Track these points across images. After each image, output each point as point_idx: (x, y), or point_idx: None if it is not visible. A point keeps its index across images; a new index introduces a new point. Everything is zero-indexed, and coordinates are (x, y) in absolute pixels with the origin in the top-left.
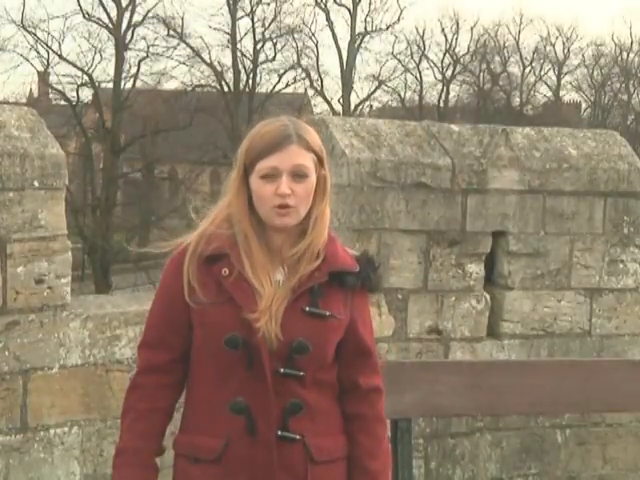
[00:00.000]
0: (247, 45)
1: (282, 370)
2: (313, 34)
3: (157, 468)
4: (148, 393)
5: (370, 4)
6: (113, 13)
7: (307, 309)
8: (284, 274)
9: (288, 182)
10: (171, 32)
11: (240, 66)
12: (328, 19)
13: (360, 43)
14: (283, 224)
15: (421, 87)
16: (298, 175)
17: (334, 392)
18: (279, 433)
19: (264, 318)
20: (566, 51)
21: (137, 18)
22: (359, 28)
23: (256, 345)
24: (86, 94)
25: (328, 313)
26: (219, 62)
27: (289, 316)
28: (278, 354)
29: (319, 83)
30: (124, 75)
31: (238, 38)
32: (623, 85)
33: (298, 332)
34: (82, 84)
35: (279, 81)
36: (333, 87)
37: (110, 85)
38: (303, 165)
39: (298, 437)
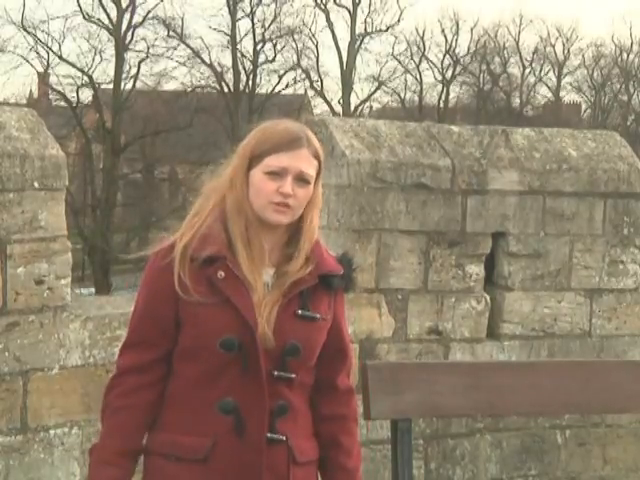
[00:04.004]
0: (247, 46)
1: (275, 373)
2: (313, 35)
3: (130, 467)
4: (125, 391)
5: (370, 5)
6: (113, 14)
7: (299, 312)
8: (272, 277)
9: (292, 184)
10: (171, 33)
11: (240, 67)
12: (328, 20)
13: (360, 44)
14: (278, 221)
15: (421, 88)
16: (302, 180)
17: (309, 394)
18: (268, 435)
19: (260, 319)
20: (566, 52)
21: (137, 19)
22: (359, 29)
23: (253, 347)
24: (86, 95)
25: (318, 315)
26: (219, 63)
27: (282, 319)
28: (271, 357)
29: (319, 84)
30: (124, 76)
31: (238, 39)
32: (623, 86)
33: (290, 335)
34: (82, 85)
35: (279, 82)
36: (333, 88)
37: (110, 86)
38: (308, 173)
39: (284, 438)
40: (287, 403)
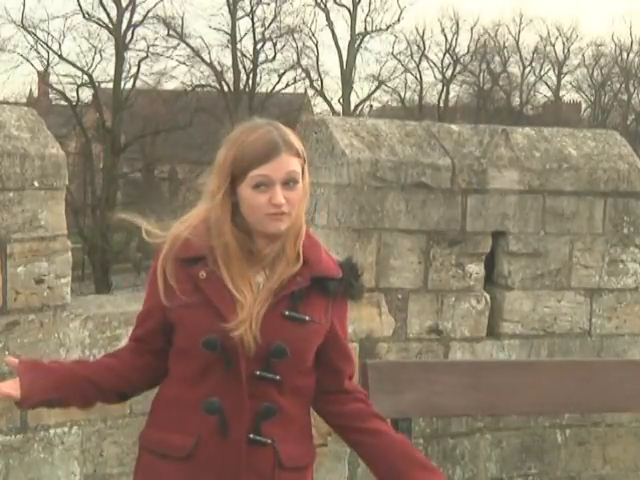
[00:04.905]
0: (247, 45)
1: (258, 373)
2: (313, 34)
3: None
4: (114, 353)
5: (370, 4)
6: (113, 13)
7: (286, 313)
8: (264, 276)
9: (281, 191)
10: (171, 32)
11: (240, 66)
12: (328, 19)
13: (360, 43)
14: (277, 229)
15: (421, 87)
16: (290, 183)
17: (309, 400)
18: (250, 436)
19: (243, 326)
20: (566, 51)
21: (137, 18)
22: (359, 28)
23: (233, 347)
24: (86, 94)
25: (308, 318)
26: (219, 62)
27: (269, 319)
28: (256, 357)
29: (319, 83)
30: (124, 75)
31: (238, 38)
32: (623, 85)
33: (277, 336)
34: (82, 84)
35: (279, 81)
36: (333, 87)
37: (110, 85)
38: (295, 171)
39: (269, 441)
40: (275, 406)
